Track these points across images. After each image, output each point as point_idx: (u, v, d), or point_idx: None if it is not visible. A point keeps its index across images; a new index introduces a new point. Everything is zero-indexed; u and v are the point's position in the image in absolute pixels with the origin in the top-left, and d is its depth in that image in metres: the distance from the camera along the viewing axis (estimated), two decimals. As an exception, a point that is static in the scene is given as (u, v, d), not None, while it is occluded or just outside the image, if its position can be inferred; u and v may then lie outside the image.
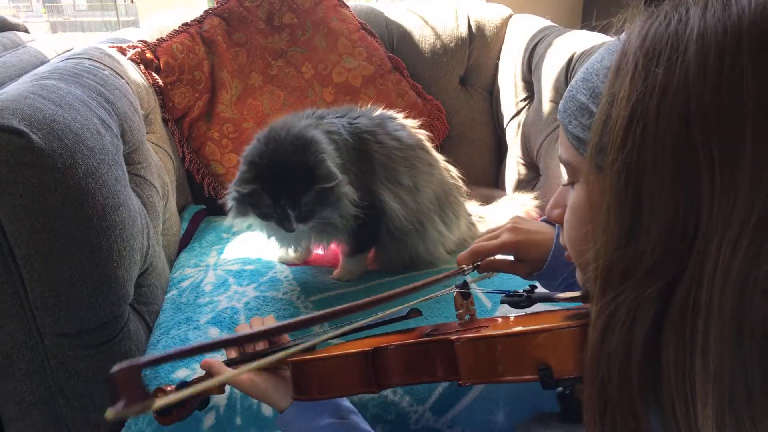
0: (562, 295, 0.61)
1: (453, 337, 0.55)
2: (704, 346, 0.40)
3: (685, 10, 0.42)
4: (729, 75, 0.39)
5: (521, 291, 0.65)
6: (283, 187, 1.00)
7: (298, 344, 0.70)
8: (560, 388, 0.50)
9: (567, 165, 0.54)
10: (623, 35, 0.49)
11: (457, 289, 0.67)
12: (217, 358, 0.78)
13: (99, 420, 0.89)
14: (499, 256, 0.78)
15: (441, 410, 0.86)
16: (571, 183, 0.54)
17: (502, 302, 0.66)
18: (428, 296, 0.71)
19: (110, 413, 0.43)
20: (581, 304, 0.59)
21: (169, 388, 0.74)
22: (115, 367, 0.44)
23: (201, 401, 0.76)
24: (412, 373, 0.59)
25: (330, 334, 0.66)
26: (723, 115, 0.39)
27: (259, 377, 0.71)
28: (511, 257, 0.79)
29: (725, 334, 0.40)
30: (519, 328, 0.52)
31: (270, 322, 0.80)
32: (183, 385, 0.74)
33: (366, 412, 0.85)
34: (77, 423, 0.88)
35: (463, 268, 0.74)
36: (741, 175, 0.39)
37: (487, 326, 0.59)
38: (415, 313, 0.70)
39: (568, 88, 0.55)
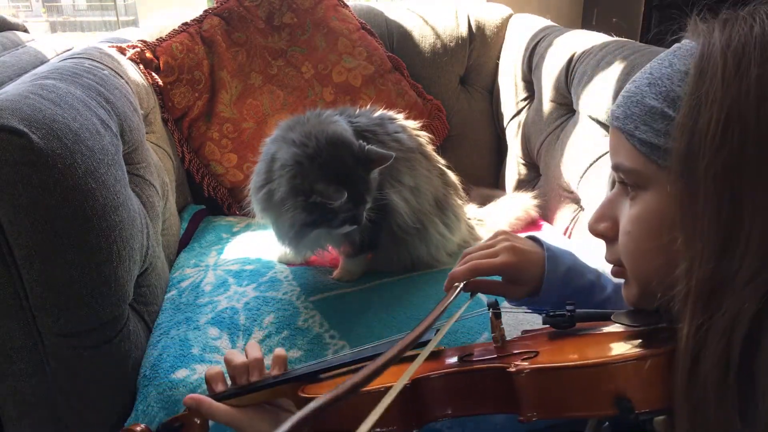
0: (615, 317, 0.55)
1: (512, 369, 0.49)
2: None
3: (765, 15, 0.42)
4: None
5: (566, 310, 0.59)
6: (359, 186, 0.98)
7: (301, 374, 0.62)
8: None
9: (630, 173, 0.50)
10: (686, 42, 0.48)
11: (491, 310, 0.61)
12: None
13: (99, 420, 0.89)
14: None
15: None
16: (631, 193, 0.51)
17: (545, 323, 0.59)
18: (453, 319, 0.61)
19: None
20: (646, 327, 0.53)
21: (138, 429, 0.67)
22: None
23: None
24: (461, 405, 0.52)
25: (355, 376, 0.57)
26: None
27: (257, 415, 0.64)
28: (499, 278, 0.72)
29: None
30: (594, 359, 0.46)
31: (255, 349, 0.69)
32: (166, 428, 0.66)
33: (366, 413, 0.85)
34: (77, 423, 0.88)
35: (456, 286, 0.67)
36: None
37: (536, 352, 0.52)
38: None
39: (626, 94, 0.52)
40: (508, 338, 0.61)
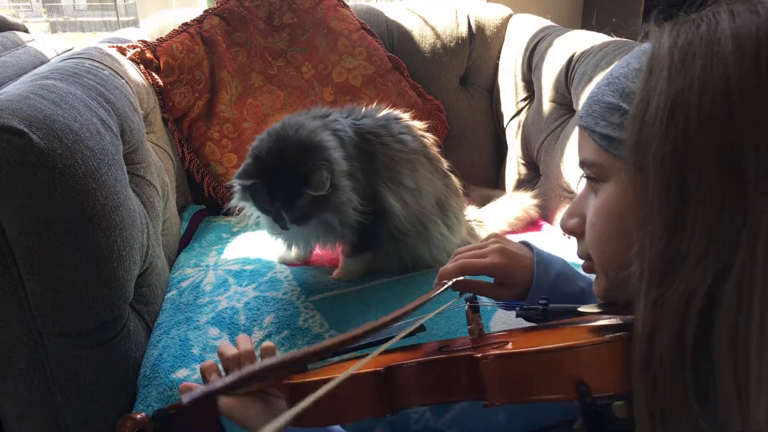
0: (583, 308, 0.58)
1: (477, 355, 0.51)
2: (760, 335, 0.40)
3: (712, 16, 0.45)
4: (767, 63, 0.41)
5: (538, 304, 0.61)
6: (279, 188, 1.00)
7: (287, 364, 0.66)
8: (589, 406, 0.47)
9: (592, 167, 0.53)
10: (647, 44, 0.50)
11: (468, 303, 0.63)
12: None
13: (99, 420, 0.89)
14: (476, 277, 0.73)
15: (441, 410, 0.86)
16: (594, 185, 0.53)
17: (518, 316, 0.62)
18: (433, 312, 0.65)
19: None
20: (607, 316, 0.55)
21: (139, 416, 0.69)
22: (186, 398, 0.43)
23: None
24: (431, 393, 0.54)
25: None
26: (765, 99, 0.41)
27: (249, 403, 0.66)
28: (490, 279, 0.74)
29: None
30: (551, 345, 0.48)
31: (245, 341, 0.72)
32: (162, 414, 0.68)
33: (366, 412, 0.85)
34: (77, 423, 0.88)
35: (445, 282, 0.69)
36: None
37: (507, 342, 0.54)
38: (419, 329, 0.64)
39: (589, 95, 0.55)
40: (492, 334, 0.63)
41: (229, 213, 1.20)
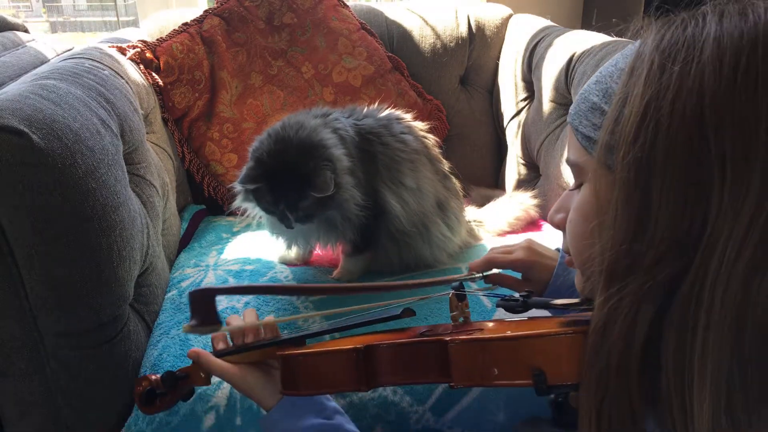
0: (558, 301, 0.61)
1: (447, 338, 0.54)
2: (704, 343, 0.41)
3: (701, 17, 0.44)
4: (744, 75, 0.40)
5: (517, 296, 0.65)
6: (283, 190, 1.00)
7: (288, 337, 0.72)
8: (552, 395, 0.50)
9: (574, 166, 0.54)
10: (638, 41, 0.49)
11: (452, 291, 0.67)
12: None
13: (99, 420, 0.89)
14: (507, 272, 0.79)
15: (441, 410, 0.86)
16: (578, 185, 0.54)
17: (498, 306, 0.66)
18: (425, 296, 0.71)
19: (186, 328, 0.54)
20: (578, 311, 0.58)
21: (153, 377, 0.75)
22: (194, 289, 0.53)
23: (186, 392, 0.76)
24: (404, 373, 0.58)
25: (321, 329, 0.67)
26: (737, 113, 0.40)
27: (249, 372, 0.71)
28: (518, 275, 0.81)
29: (725, 333, 0.40)
30: (513, 333, 0.51)
31: (251, 315, 0.78)
32: (170, 375, 0.74)
33: (366, 412, 0.85)
34: (77, 423, 0.88)
35: (473, 274, 0.76)
36: (752, 173, 0.39)
37: (481, 329, 0.58)
38: (408, 312, 0.68)
39: (579, 93, 0.55)
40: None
41: (232, 213, 1.20)
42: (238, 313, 0.99)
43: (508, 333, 0.51)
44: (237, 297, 1.04)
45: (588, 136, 0.51)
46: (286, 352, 0.63)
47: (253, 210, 1.10)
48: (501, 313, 0.66)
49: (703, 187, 0.41)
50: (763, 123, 0.39)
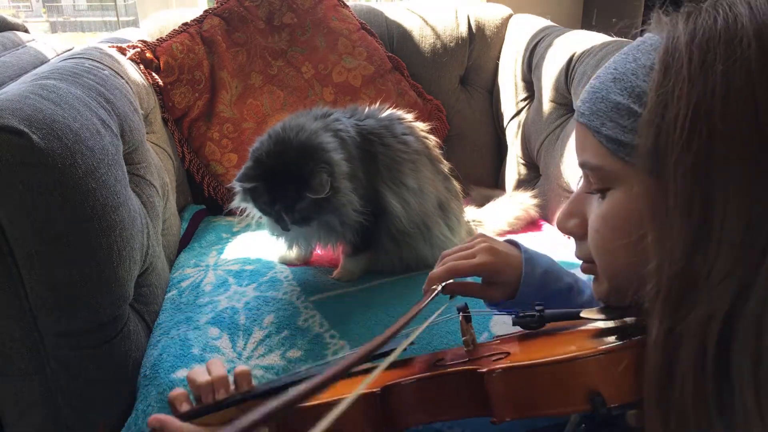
0: (585, 313, 0.55)
1: (483, 369, 0.48)
2: None
3: (728, 7, 0.42)
4: None
5: (535, 310, 0.58)
6: (280, 190, 1.00)
7: (267, 388, 0.61)
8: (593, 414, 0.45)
9: (597, 171, 0.50)
10: (650, 35, 0.47)
11: (461, 314, 0.60)
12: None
13: (99, 420, 0.89)
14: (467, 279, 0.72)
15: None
16: (600, 191, 0.50)
17: (514, 324, 0.59)
18: (426, 324, 0.60)
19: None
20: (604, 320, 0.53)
21: None
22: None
23: None
24: (432, 411, 0.52)
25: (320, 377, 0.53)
26: None
27: None
28: (478, 280, 0.73)
29: None
30: (563, 355, 0.46)
31: (218, 366, 0.64)
32: None
33: (366, 412, 0.85)
34: (77, 423, 0.88)
35: (434, 288, 0.67)
36: None
37: (507, 353, 0.52)
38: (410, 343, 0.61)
39: (590, 90, 0.52)
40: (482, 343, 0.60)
41: (231, 213, 1.20)
42: (237, 314, 0.99)
43: (556, 357, 0.46)
44: (237, 297, 1.04)
45: (616, 138, 0.48)
46: (274, 411, 0.53)
47: (251, 210, 1.10)
48: (498, 319, 0.62)
49: (767, 190, 0.39)
50: None
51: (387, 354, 0.50)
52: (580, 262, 0.58)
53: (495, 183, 1.74)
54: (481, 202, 1.43)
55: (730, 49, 0.40)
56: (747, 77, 0.39)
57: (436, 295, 0.66)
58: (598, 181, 0.51)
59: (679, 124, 0.41)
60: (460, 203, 1.25)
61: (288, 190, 1.00)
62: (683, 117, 0.41)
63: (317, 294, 1.06)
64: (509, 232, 1.35)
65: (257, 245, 1.25)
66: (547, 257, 0.73)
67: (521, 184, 1.59)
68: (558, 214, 0.57)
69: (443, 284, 0.68)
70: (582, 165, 0.52)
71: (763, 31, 0.40)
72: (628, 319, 0.50)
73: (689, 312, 0.41)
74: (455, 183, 1.24)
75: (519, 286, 0.69)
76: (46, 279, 0.78)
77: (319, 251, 1.24)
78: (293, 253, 1.19)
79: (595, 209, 0.52)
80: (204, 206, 1.51)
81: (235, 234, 1.34)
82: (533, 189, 1.48)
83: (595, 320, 0.54)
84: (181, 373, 0.86)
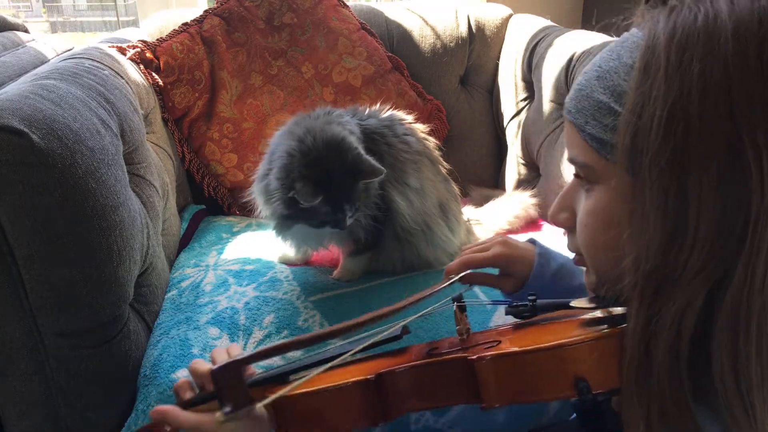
0: (575, 302, 0.57)
1: (473, 356, 0.49)
2: (759, 349, 0.39)
3: (709, 3, 0.42)
4: None
5: (527, 300, 0.60)
6: (340, 192, 0.98)
7: (268, 375, 0.62)
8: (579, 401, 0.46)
9: (583, 168, 0.51)
10: (634, 31, 0.47)
11: (455, 303, 0.62)
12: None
13: (99, 420, 0.89)
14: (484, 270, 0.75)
15: (441, 410, 0.86)
16: (587, 185, 0.52)
17: (507, 314, 0.61)
18: (424, 312, 0.65)
19: (220, 417, 0.49)
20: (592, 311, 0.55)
21: None
22: (217, 367, 0.46)
23: None
24: (425, 398, 0.53)
25: (317, 369, 0.55)
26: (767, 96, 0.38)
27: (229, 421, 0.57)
28: (496, 271, 0.77)
29: None
30: (550, 342, 0.47)
31: (221, 354, 0.66)
32: None
33: (366, 412, 0.85)
34: (77, 423, 0.88)
35: (451, 278, 0.71)
36: None
37: (498, 341, 0.53)
38: (406, 331, 0.62)
39: (577, 87, 0.52)
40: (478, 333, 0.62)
41: (230, 213, 1.19)
42: (237, 314, 0.99)
43: (543, 344, 0.47)
44: (237, 297, 1.04)
45: (599, 137, 0.48)
46: (277, 394, 0.54)
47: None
48: (501, 312, 0.64)
49: (741, 186, 0.39)
50: None
51: (367, 340, 0.55)
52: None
53: (495, 183, 1.74)
54: (480, 202, 1.43)
55: (708, 47, 0.40)
56: (724, 74, 0.40)
57: (454, 281, 0.70)
58: (585, 177, 0.52)
59: (655, 124, 0.42)
60: (459, 205, 1.26)
61: (346, 187, 0.99)
62: (659, 117, 0.41)
63: (317, 294, 1.06)
64: (509, 231, 1.35)
65: (257, 245, 1.25)
66: (563, 255, 0.74)
67: (521, 184, 1.59)
68: (551, 208, 0.58)
69: (462, 274, 0.72)
70: (570, 161, 0.54)
71: (741, 28, 0.40)
72: (616, 309, 0.51)
73: (665, 304, 0.42)
74: (454, 185, 1.24)
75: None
76: (46, 279, 0.78)
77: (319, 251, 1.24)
78: (293, 253, 1.19)
79: (583, 204, 0.53)
80: (204, 206, 1.51)
81: (235, 234, 1.34)
82: (533, 189, 1.48)
83: (584, 310, 0.55)
84: (181, 373, 0.86)
